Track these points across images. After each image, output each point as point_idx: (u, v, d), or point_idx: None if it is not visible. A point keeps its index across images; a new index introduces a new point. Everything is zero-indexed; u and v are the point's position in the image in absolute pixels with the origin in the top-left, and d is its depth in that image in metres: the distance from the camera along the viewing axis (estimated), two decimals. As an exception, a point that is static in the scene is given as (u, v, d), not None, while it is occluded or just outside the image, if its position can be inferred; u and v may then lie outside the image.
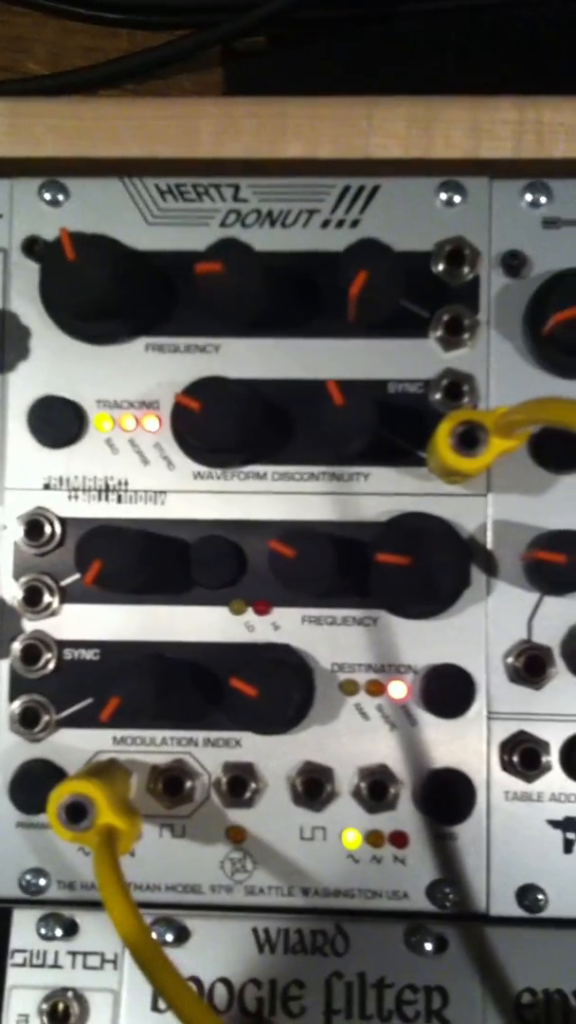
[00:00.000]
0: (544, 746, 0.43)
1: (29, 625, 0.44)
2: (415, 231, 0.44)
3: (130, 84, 0.65)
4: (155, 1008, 0.44)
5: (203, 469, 0.44)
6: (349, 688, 0.44)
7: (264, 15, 0.60)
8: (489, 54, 0.61)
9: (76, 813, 0.38)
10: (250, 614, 0.44)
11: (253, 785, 0.43)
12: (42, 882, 0.44)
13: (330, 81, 0.65)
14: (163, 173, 0.44)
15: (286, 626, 0.44)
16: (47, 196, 0.44)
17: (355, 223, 0.44)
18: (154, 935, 0.44)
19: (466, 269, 0.43)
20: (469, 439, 0.38)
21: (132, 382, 0.44)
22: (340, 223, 0.44)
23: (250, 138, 0.44)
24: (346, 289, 0.40)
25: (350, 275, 0.39)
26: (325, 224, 0.44)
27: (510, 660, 0.43)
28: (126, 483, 0.44)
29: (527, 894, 0.43)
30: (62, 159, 0.44)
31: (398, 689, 0.44)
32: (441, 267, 0.44)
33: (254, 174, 0.44)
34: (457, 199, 0.44)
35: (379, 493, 0.44)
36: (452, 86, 0.57)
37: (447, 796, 0.43)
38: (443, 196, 0.44)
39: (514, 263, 0.43)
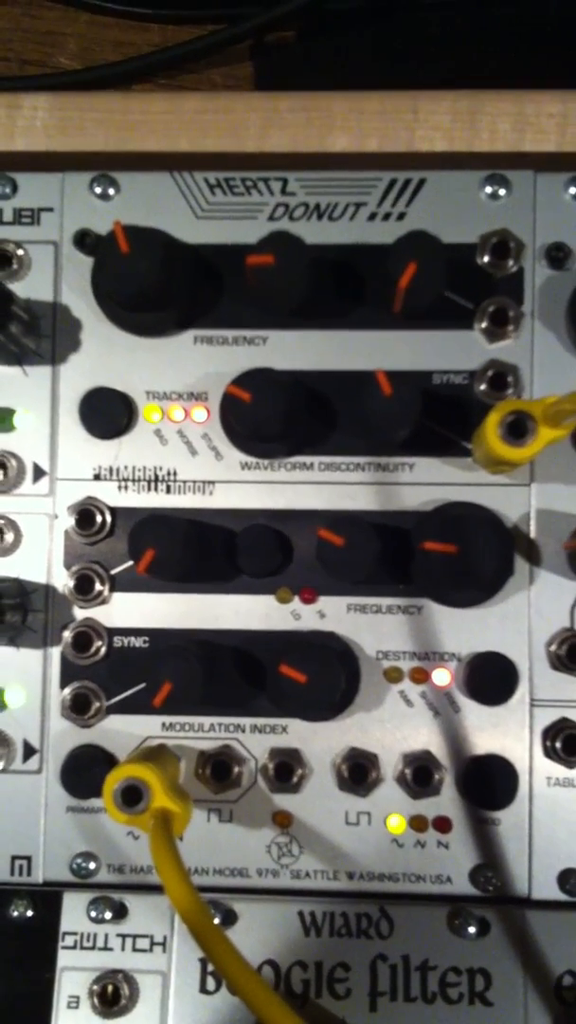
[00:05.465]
0: (587, 732, 0.44)
1: (80, 613, 0.45)
2: (460, 224, 0.44)
3: (162, 79, 0.65)
4: (203, 990, 0.45)
5: (250, 459, 0.45)
6: (393, 675, 0.44)
7: (294, 8, 0.60)
8: (526, 47, 0.61)
9: (132, 796, 0.39)
10: (296, 602, 0.45)
11: (299, 771, 0.44)
12: (92, 866, 0.44)
13: (362, 74, 0.65)
14: (210, 167, 0.45)
15: (331, 614, 0.45)
16: (97, 190, 0.45)
17: (401, 216, 0.44)
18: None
19: (511, 261, 0.44)
20: (518, 428, 0.39)
21: (181, 373, 0.45)
22: (387, 216, 0.45)
23: (296, 132, 0.44)
24: (395, 280, 0.40)
25: (400, 266, 0.40)
26: (372, 217, 0.45)
27: (553, 648, 0.44)
28: (175, 473, 0.45)
29: (569, 878, 0.43)
30: (111, 153, 0.45)
31: (442, 676, 0.44)
32: (486, 259, 0.44)
33: (300, 168, 0.45)
34: (502, 192, 0.44)
35: (423, 483, 0.44)
36: (486, 80, 0.58)
37: (490, 782, 0.44)
38: (488, 189, 0.44)
39: (558, 255, 0.44)
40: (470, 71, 0.63)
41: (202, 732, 0.45)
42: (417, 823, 0.44)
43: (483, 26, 0.62)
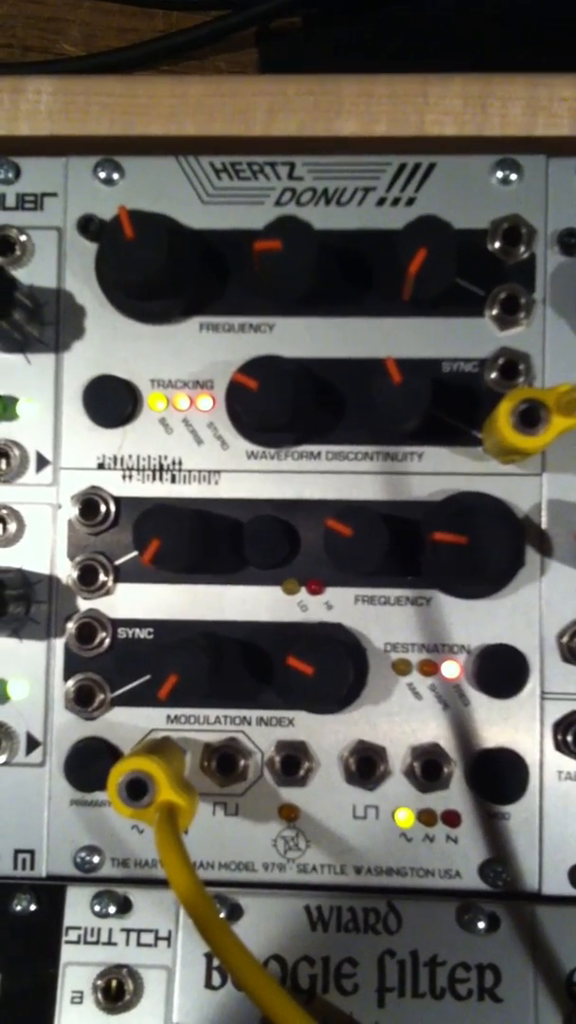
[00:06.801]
0: (599, 726, 0.43)
1: (84, 604, 0.44)
2: (471, 209, 0.44)
3: (166, 65, 0.65)
4: (209, 985, 0.44)
5: (257, 449, 0.44)
6: (402, 668, 0.44)
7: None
8: (537, 35, 0.60)
9: (137, 790, 0.38)
10: (303, 593, 0.44)
11: (306, 764, 0.43)
12: (96, 860, 0.44)
13: (367, 61, 0.64)
14: (217, 151, 0.44)
15: (339, 606, 0.44)
16: (102, 175, 0.44)
17: (411, 201, 0.44)
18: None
19: (522, 247, 0.43)
20: (530, 417, 0.38)
21: (186, 361, 0.44)
22: (396, 201, 0.44)
23: (304, 115, 0.44)
24: (404, 266, 0.39)
25: (409, 252, 0.39)
26: (381, 202, 0.44)
27: (564, 640, 0.43)
28: (180, 463, 0.44)
29: (579, 873, 0.43)
30: (115, 137, 0.44)
31: (451, 669, 0.44)
32: (497, 245, 0.43)
33: (307, 152, 0.44)
34: (513, 177, 0.43)
35: (433, 473, 0.44)
36: (493, 65, 0.57)
37: (500, 776, 0.43)
38: (499, 174, 0.44)
39: (571, 241, 0.43)
40: (478, 62, 0.62)
41: (207, 725, 0.44)
42: (426, 817, 0.44)
43: (490, 16, 0.61)
